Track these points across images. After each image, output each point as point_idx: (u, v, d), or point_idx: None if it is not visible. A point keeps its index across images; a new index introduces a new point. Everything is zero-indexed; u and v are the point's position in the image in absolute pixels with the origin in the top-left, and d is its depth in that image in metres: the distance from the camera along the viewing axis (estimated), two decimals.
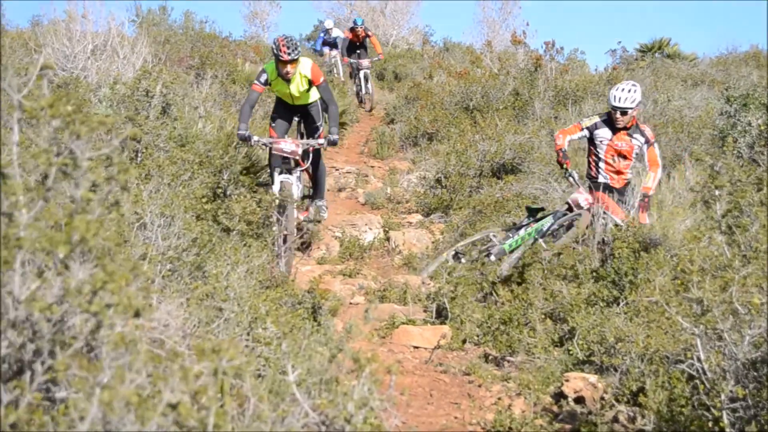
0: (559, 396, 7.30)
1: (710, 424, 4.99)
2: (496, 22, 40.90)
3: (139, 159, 9.91)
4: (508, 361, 8.44)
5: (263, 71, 11.53)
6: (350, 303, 10.27)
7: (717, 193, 6.08)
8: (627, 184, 11.30)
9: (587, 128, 11.37)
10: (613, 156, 11.24)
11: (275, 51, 11.07)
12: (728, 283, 5.21)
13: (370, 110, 25.92)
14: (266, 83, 11.51)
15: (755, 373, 4.90)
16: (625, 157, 11.18)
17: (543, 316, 8.72)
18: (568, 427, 6.81)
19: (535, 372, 7.78)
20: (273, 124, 12.18)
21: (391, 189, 15.27)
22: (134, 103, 11.47)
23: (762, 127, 12.74)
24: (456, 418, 7.38)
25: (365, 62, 26.06)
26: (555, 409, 7.17)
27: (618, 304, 8.38)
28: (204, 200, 9.62)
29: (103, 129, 2.94)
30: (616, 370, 6.95)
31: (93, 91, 11.87)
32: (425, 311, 9.82)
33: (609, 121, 11.18)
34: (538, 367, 7.91)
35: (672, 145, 14.25)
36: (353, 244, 12.04)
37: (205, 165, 10.89)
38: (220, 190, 11.14)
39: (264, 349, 5.93)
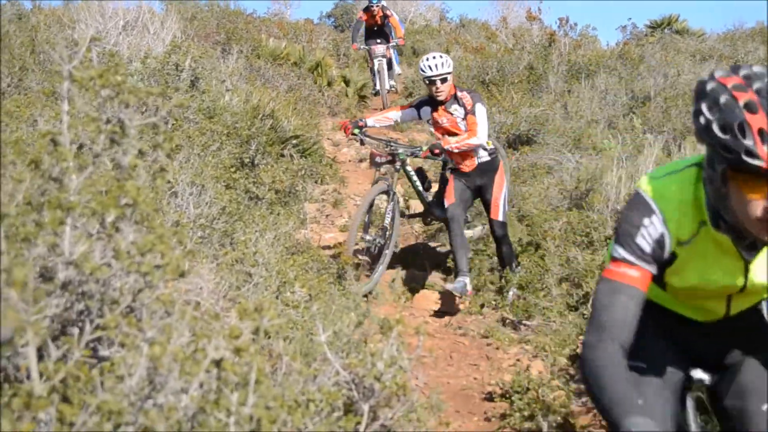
0: (575, 358, 7.31)
1: None
2: None
3: (169, 130, 9.91)
4: (525, 325, 8.46)
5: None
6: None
7: None
8: (489, 162, 9.54)
9: (414, 107, 9.84)
10: (443, 135, 9.61)
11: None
12: None
13: (384, 106, 19.54)
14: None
15: None
16: (455, 135, 9.51)
17: (558, 281, 8.73)
18: (584, 387, 6.82)
19: (551, 335, 7.80)
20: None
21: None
22: (164, 76, 11.48)
23: None
24: (475, 378, 7.41)
25: (380, 49, 20.44)
26: (571, 370, 7.18)
27: None
28: (233, 170, 9.65)
29: (150, 98, 2.95)
30: None
31: (125, 66, 11.86)
32: (444, 278, 9.85)
33: (431, 99, 9.61)
34: (554, 330, 7.93)
35: (682, 117, 14.21)
36: (374, 212, 12.01)
37: (232, 136, 10.90)
38: (247, 160, 11.15)
39: (292, 312, 5.94)
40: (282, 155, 12.92)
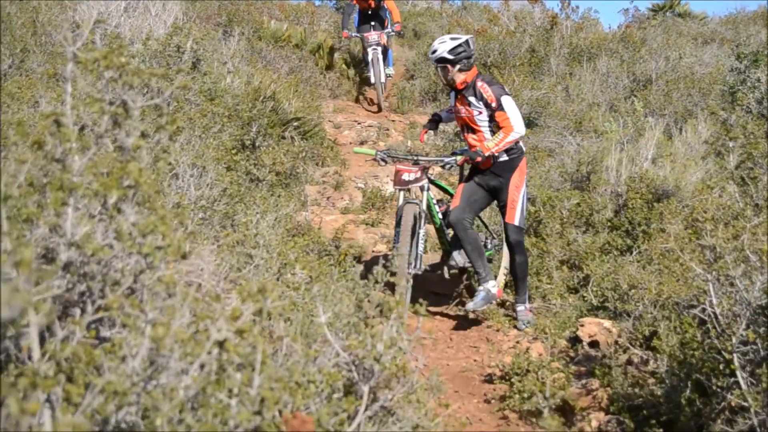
0: (575, 340, 7.35)
1: (721, 366, 5.01)
2: None
3: (171, 112, 9.92)
4: None
5: None
6: (372, 251, 10.32)
7: (731, 144, 6.07)
8: (506, 162, 8.33)
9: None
10: (463, 128, 8.62)
11: None
12: (740, 231, 5.22)
13: (378, 109, 18.23)
14: None
15: (765, 318, 4.91)
16: (472, 130, 8.42)
17: (559, 264, 8.75)
18: (583, 369, 6.85)
19: (551, 317, 7.83)
20: None
21: (411, 142, 15.23)
22: (166, 58, 11.46)
23: None
24: (475, 360, 7.44)
25: (373, 36, 17.88)
26: (571, 352, 7.22)
27: (631, 253, 8.43)
28: (234, 152, 9.65)
29: (153, 80, 2.96)
30: (629, 316, 6.98)
31: (127, 47, 11.85)
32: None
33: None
34: (554, 313, 7.96)
35: (684, 100, 14.21)
36: (375, 194, 12.05)
37: (233, 118, 10.91)
38: (248, 142, 11.15)
39: (293, 294, 5.96)
40: (283, 137, 12.93)
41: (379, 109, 18.12)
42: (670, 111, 13.90)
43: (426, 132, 9.04)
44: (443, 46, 8.19)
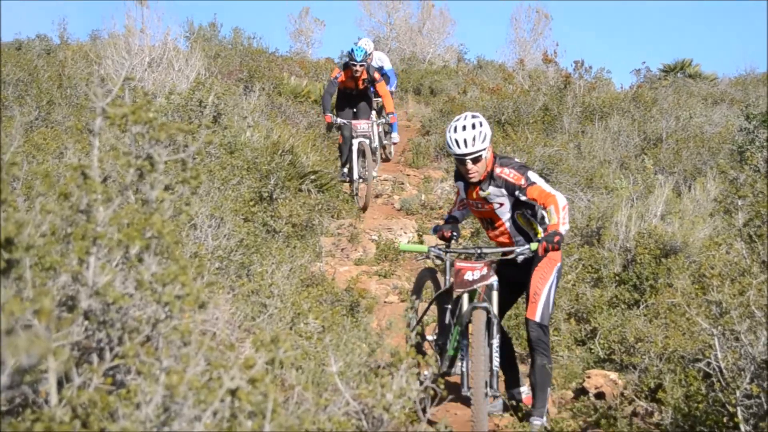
0: (581, 391, 7.33)
1: (725, 419, 5.01)
2: (528, 42, 40.77)
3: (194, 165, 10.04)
4: None
5: None
6: (384, 302, 10.33)
7: (739, 203, 6.09)
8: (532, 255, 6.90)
9: (456, 185, 7.54)
10: (482, 221, 7.45)
11: None
12: (746, 287, 5.23)
13: (364, 208, 14.05)
14: None
15: None
16: (492, 224, 7.25)
17: (567, 316, 8.75)
18: (589, 420, 6.83)
19: (558, 369, 7.81)
20: None
21: (425, 196, 15.27)
22: (188, 112, 11.58)
23: None
24: None
25: (361, 125, 14.44)
26: (578, 403, 7.19)
27: (638, 307, 8.43)
28: (251, 203, 9.71)
29: (181, 135, 3.02)
30: (635, 368, 6.97)
31: (153, 102, 12.02)
32: None
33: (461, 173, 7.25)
34: (562, 365, 7.94)
35: (693, 159, 14.26)
36: (389, 246, 12.06)
37: (252, 171, 11.00)
38: (266, 194, 11.22)
39: (305, 343, 5.98)
40: (300, 190, 13.01)
41: (364, 209, 14.19)
42: (679, 169, 13.94)
43: (450, 233, 7.36)
44: (472, 135, 6.89)
